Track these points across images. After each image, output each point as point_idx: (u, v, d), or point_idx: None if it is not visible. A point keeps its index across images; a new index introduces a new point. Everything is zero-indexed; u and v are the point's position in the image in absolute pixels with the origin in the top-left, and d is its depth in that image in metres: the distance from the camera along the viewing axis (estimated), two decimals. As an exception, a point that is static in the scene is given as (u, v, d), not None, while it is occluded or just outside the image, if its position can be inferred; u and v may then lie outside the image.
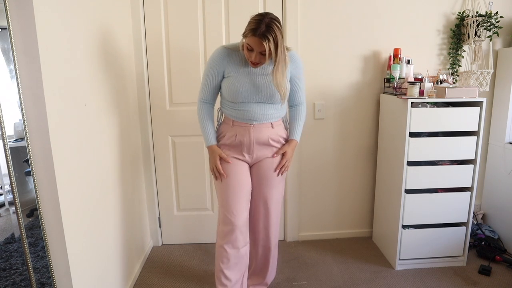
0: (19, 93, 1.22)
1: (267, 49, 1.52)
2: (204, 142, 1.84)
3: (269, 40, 1.51)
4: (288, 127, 1.90)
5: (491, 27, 2.32)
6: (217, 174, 1.78)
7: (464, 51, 2.46)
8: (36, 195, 1.29)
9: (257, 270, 2.03)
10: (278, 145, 1.82)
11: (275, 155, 1.81)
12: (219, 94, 1.83)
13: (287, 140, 1.86)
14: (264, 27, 1.50)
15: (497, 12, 2.34)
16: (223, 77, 1.74)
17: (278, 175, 1.82)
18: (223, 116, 1.84)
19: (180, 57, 2.36)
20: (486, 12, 2.32)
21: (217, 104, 1.89)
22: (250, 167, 1.85)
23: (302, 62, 1.81)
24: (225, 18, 2.32)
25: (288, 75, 1.74)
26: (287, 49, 1.71)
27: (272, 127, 1.79)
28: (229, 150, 1.80)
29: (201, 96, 1.80)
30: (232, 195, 1.75)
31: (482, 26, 2.30)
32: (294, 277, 2.20)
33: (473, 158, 2.14)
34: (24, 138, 1.25)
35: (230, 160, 1.78)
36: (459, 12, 2.41)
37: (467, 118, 2.09)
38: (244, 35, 1.58)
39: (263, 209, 1.85)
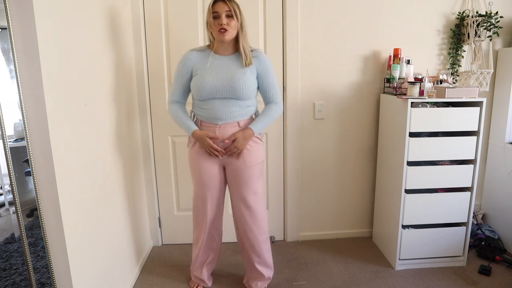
0: (19, 93, 1.22)
1: (231, 8, 1.68)
2: (187, 133, 1.88)
3: (230, 1, 1.69)
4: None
5: (491, 27, 2.32)
6: (216, 152, 1.81)
7: (464, 51, 2.46)
8: (36, 195, 1.29)
9: (253, 266, 2.02)
10: (247, 145, 1.83)
11: (226, 140, 1.79)
12: (191, 95, 1.90)
13: (259, 137, 1.88)
14: None
15: (497, 12, 2.34)
16: (191, 77, 1.82)
17: (224, 154, 1.82)
18: (195, 117, 1.89)
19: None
20: (486, 12, 2.32)
21: (190, 107, 1.92)
22: (225, 168, 1.91)
23: (269, 61, 1.84)
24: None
25: (254, 72, 1.79)
26: (252, 49, 1.81)
27: (239, 126, 1.81)
28: (198, 152, 1.86)
29: (171, 97, 1.89)
30: (201, 194, 1.91)
31: (482, 26, 2.30)
32: (294, 277, 2.20)
33: (473, 158, 2.14)
34: (24, 138, 1.25)
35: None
36: (459, 12, 2.41)
37: (467, 118, 2.09)
38: (208, 12, 1.73)
39: (244, 208, 1.90)
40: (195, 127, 1.84)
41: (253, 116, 1.87)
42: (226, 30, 1.69)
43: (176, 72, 1.85)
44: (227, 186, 1.98)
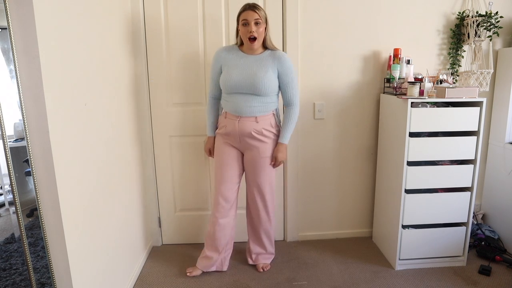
0: (19, 93, 1.22)
1: (260, 15, 1.84)
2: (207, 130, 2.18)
3: (259, 9, 1.85)
4: (279, 120, 2.11)
5: (491, 27, 2.32)
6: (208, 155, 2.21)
7: (464, 51, 2.46)
8: (36, 195, 1.29)
9: (259, 241, 2.27)
10: (262, 137, 2.00)
11: (271, 163, 2.06)
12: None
13: (276, 133, 2.04)
14: (251, 3, 1.88)
15: (497, 12, 2.34)
16: (221, 72, 2.01)
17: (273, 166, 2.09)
18: (222, 108, 2.10)
19: (180, 57, 2.36)
20: (486, 12, 2.32)
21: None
22: (243, 154, 2.11)
23: (290, 62, 1.98)
24: (225, 22, 2.32)
25: (275, 71, 1.95)
26: (276, 48, 1.99)
27: (257, 121, 1.99)
28: (223, 137, 2.08)
29: (209, 93, 2.15)
30: (220, 176, 2.09)
31: (482, 26, 2.30)
32: (294, 277, 2.20)
33: (473, 158, 2.14)
34: (24, 138, 1.25)
35: (213, 155, 2.17)
36: (459, 12, 2.41)
37: (467, 118, 2.09)
38: (237, 19, 1.91)
39: (257, 192, 2.12)
40: (210, 134, 2.17)
41: (273, 112, 2.04)
42: (255, 38, 1.87)
43: (211, 67, 2.07)
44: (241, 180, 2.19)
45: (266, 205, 2.15)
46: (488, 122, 2.61)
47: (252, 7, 1.85)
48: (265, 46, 1.97)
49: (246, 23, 1.85)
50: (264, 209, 2.16)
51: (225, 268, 2.24)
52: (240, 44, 2.00)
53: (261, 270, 2.25)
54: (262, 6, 2.31)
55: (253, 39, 1.86)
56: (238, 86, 1.92)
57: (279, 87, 2.01)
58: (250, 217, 2.24)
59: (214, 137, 2.16)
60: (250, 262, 2.31)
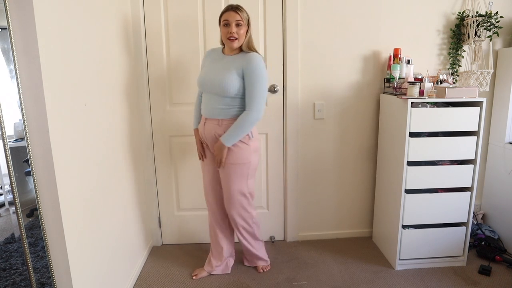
0: (19, 93, 1.22)
1: (242, 17, 1.80)
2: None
3: (241, 11, 1.81)
4: (250, 133, 1.96)
5: (491, 27, 2.32)
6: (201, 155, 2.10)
7: (464, 51, 2.46)
8: (36, 195, 1.29)
9: (244, 252, 2.27)
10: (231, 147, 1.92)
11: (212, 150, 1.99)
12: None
13: (243, 141, 1.92)
14: (235, 4, 1.84)
15: (497, 12, 2.34)
16: None
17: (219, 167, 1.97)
18: None
19: (180, 57, 2.36)
20: (486, 12, 2.32)
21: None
22: None
23: (258, 64, 1.81)
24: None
25: (241, 72, 1.84)
26: (252, 49, 1.89)
27: (219, 125, 1.91)
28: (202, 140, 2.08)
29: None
30: (204, 181, 2.13)
31: (482, 26, 2.30)
32: (294, 277, 2.20)
33: (473, 158, 2.14)
34: (24, 138, 1.25)
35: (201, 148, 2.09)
36: (459, 12, 2.41)
37: (467, 118, 2.09)
38: (219, 19, 1.86)
39: (226, 199, 2.05)
40: (195, 126, 2.10)
41: (236, 119, 1.89)
42: (235, 38, 1.82)
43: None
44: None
45: (238, 212, 2.05)
46: (488, 122, 2.61)
47: (235, 8, 1.81)
48: (241, 49, 1.89)
49: (227, 24, 1.81)
50: (239, 216, 2.06)
51: (229, 271, 2.24)
52: (225, 46, 1.96)
53: (261, 270, 2.25)
54: (262, 6, 2.33)
55: (233, 39, 1.82)
56: (204, 84, 1.91)
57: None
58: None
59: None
60: (247, 264, 2.32)
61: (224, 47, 1.97)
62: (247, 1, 2.29)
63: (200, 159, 2.11)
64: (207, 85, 1.89)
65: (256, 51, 1.89)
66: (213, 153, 2.01)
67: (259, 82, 1.82)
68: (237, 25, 1.81)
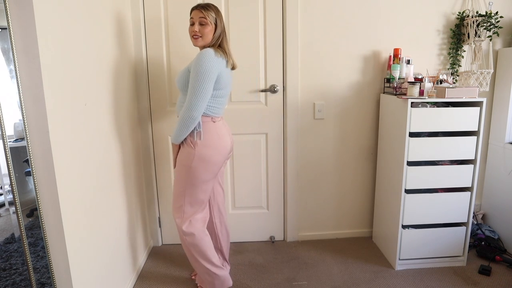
0: (19, 93, 1.22)
1: (205, 15, 1.74)
2: None
3: (206, 10, 1.76)
4: (200, 131, 1.80)
5: (491, 27, 2.32)
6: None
7: (464, 51, 2.46)
8: (36, 195, 1.29)
9: None
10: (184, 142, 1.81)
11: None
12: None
13: (189, 142, 1.79)
14: (203, 3, 1.78)
15: (497, 12, 2.34)
16: None
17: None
18: None
19: (180, 57, 2.36)
20: (486, 12, 2.32)
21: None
22: None
23: (203, 60, 1.68)
24: (224, 22, 2.32)
25: (189, 69, 1.76)
26: (217, 47, 1.81)
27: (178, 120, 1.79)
28: None
29: None
30: None
31: (482, 26, 2.30)
32: (294, 277, 2.20)
33: (473, 158, 2.14)
34: (24, 138, 1.25)
35: None
36: (459, 12, 2.41)
37: (467, 118, 2.09)
38: (190, 18, 1.80)
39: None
40: None
41: None
42: (198, 36, 1.78)
43: None
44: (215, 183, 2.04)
45: (173, 209, 1.92)
46: (488, 122, 2.61)
47: (200, 7, 1.76)
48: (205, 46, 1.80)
49: (192, 22, 1.79)
50: (174, 216, 1.92)
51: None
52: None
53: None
54: (262, 6, 2.33)
55: (196, 37, 1.78)
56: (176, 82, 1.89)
57: None
58: None
59: None
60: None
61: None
62: (248, 1, 2.29)
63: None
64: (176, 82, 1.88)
65: (209, 48, 1.77)
66: None
67: (196, 77, 1.68)
68: (201, 23, 1.76)
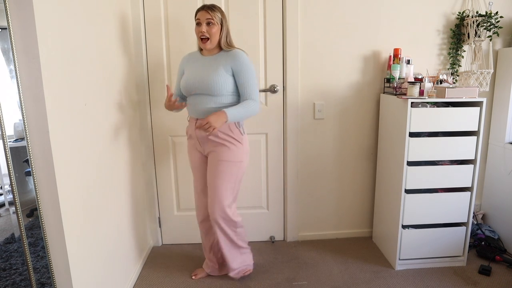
0: (19, 93, 1.22)
1: (212, 16, 1.81)
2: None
3: (212, 10, 1.83)
4: (242, 129, 1.97)
5: (491, 27, 2.32)
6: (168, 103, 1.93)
7: (464, 51, 2.46)
8: (36, 195, 1.29)
9: (218, 253, 2.19)
10: (219, 140, 1.91)
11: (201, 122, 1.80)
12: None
13: (237, 139, 1.92)
14: (208, 4, 1.85)
15: (497, 12, 2.34)
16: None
17: (196, 128, 1.86)
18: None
19: (180, 57, 2.36)
20: (486, 12, 2.32)
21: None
22: (207, 156, 2.03)
23: (246, 59, 1.87)
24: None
25: (229, 70, 1.87)
26: (232, 46, 1.92)
27: None
28: (189, 142, 2.07)
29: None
30: (195, 192, 2.10)
31: (482, 26, 2.30)
32: (294, 277, 2.20)
33: (473, 158, 2.14)
34: (24, 138, 1.25)
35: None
36: (459, 12, 2.41)
37: (467, 118, 2.09)
38: (195, 19, 1.87)
39: (214, 196, 1.95)
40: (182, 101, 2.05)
41: None
42: (207, 38, 1.85)
43: (178, 72, 2.08)
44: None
45: (222, 209, 1.95)
46: (488, 122, 2.61)
47: (206, 8, 1.83)
48: (221, 47, 1.91)
49: (199, 23, 1.85)
50: (221, 216, 1.96)
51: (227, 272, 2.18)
52: (202, 48, 1.96)
53: (235, 276, 2.14)
54: (262, 6, 2.33)
55: (205, 39, 1.84)
56: (192, 87, 1.89)
57: (237, 87, 1.92)
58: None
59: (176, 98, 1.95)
60: (218, 273, 2.22)
61: (202, 49, 1.97)
62: (248, 1, 2.29)
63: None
64: (195, 86, 1.88)
65: (236, 48, 1.92)
66: (203, 153, 2.01)
67: (252, 76, 1.89)
68: (208, 23, 1.82)
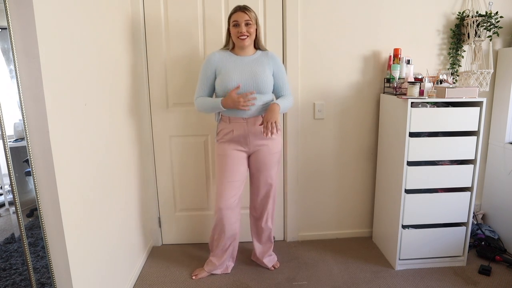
0: (19, 93, 1.22)
1: (250, 17, 1.90)
2: (218, 107, 1.94)
3: (249, 11, 1.92)
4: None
5: (491, 27, 2.32)
6: (248, 102, 1.91)
7: (464, 51, 2.46)
8: (36, 195, 1.29)
9: (264, 240, 2.28)
10: (272, 135, 1.96)
11: (259, 124, 1.98)
12: (214, 95, 2.07)
13: (278, 133, 2.03)
14: (242, 5, 1.94)
15: (497, 12, 2.34)
16: (215, 76, 2.00)
17: (266, 135, 1.90)
18: (220, 115, 2.06)
19: (180, 57, 2.36)
20: (486, 12, 2.32)
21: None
22: (249, 156, 2.10)
23: (281, 60, 2.10)
24: (224, 22, 2.32)
25: (271, 70, 2.02)
26: (263, 47, 2.06)
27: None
28: (229, 144, 2.03)
29: (196, 95, 2.05)
30: (225, 183, 2.03)
31: (482, 26, 2.30)
32: (294, 277, 2.20)
33: (473, 158, 2.14)
34: (24, 138, 1.25)
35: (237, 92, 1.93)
36: (459, 12, 2.41)
37: (467, 118, 2.09)
38: (228, 21, 1.96)
39: (268, 190, 2.13)
40: (221, 98, 1.93)
41: None
42: (246, 36, 1.92)
43: (201, 72, 2.02)
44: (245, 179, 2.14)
45: (274, 202, 2.20)
46: (488, 122, 2.61)
47: (243, 9, 1.91)
48: (256, 47, 2.04)
49: (237, 24, 1.91)
50: (273, 203, 2.20)
51: (228, 271, 2.24)
52: (232, 48, 2.02)
53: (273, 268, 2.28)
54: (262, 6, 2.33)
55: (244, 37, 1.92)
56: (244, 86, 1.94)
57: (274, 85, 2.06)
58: (256, 217, 2.24)
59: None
60: (257, 259, 2.32)
61: (231, 48, 2.02)
62: (248, 1, 2.29)
63: (247, 105, 1.91)
64: (245, 86, 1.92)
65: (266, 49, 2.08)
66: (248, 152, 2.06)
67: (286, 75, 2.10)
68: (247, 24, 1.91)
